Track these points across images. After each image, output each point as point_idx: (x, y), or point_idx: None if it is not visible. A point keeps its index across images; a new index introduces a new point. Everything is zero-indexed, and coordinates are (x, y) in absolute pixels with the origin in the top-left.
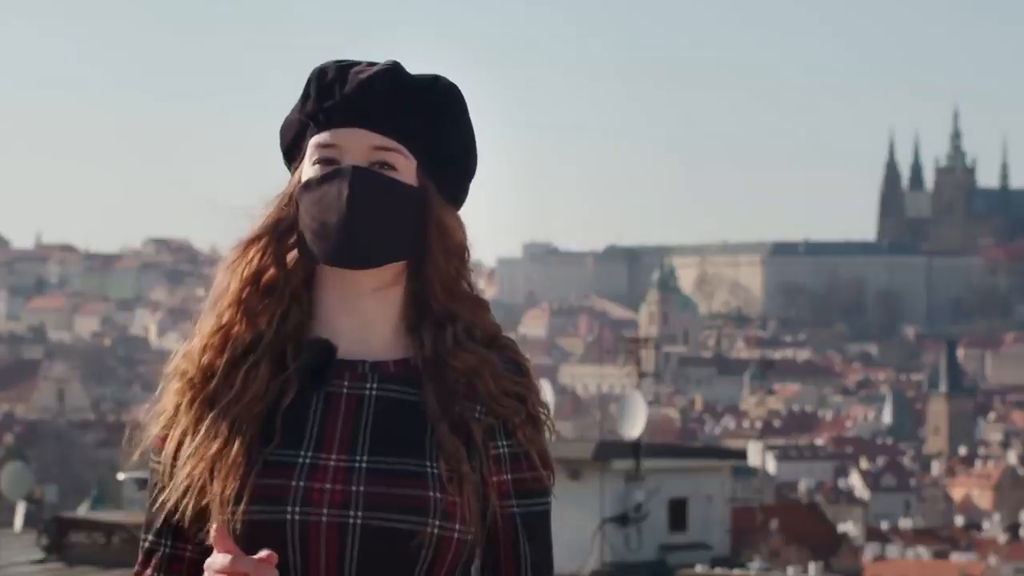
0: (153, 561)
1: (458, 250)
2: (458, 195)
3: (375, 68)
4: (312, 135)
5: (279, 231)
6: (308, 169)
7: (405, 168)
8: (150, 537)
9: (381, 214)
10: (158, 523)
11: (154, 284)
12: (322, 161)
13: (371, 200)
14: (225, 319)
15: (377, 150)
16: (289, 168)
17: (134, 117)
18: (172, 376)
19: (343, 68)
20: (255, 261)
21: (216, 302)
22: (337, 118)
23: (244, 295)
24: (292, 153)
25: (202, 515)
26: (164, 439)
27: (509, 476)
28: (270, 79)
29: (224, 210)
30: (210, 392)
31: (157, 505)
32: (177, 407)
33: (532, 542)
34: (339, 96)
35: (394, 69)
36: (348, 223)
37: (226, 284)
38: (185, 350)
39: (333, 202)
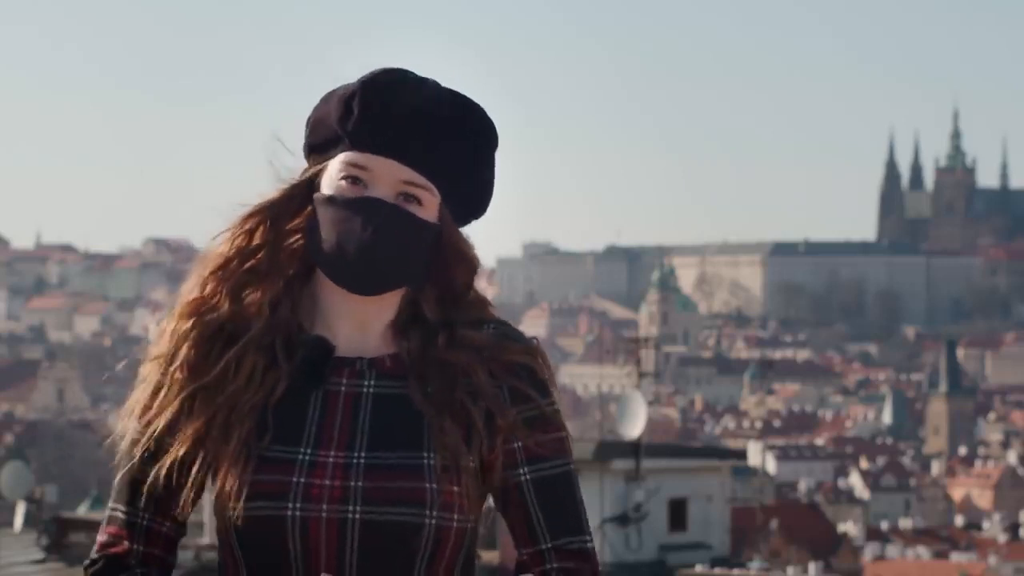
0: (132, 532)
1: (472, 270)
2: (469, 222)
3: (422, 97)
4: (344, 149)
5: (274, 212)
6: (334, 182)
7: (429, 204)
8: (125, 508)
9: (401, 251)
10: (139, 495)
11: (154, 284)
12: (350, 179)
13: (395, 237)
14: (208, 288)
15: (407, 184)
16: (307, 158)
17: (134, 117)
18: (157, 340)
19: (391, 87)
20: (248, 236)
21: (202, 268)
22: (375, 144)
23: (231, 266)
24: (314, 149)
25: (182, 492)
26: (146, 408)
27: (517, 444)
28: (270, 79)
29: (226, 211)
30: (199, 370)
31: (137, 476)
32: (159, 383)
33: (547, 506)
34: (382, 121)
35: (438, 99)
36: (368, 257)
37: (215, 251)
38: (169, 315)
39: (356, 231)
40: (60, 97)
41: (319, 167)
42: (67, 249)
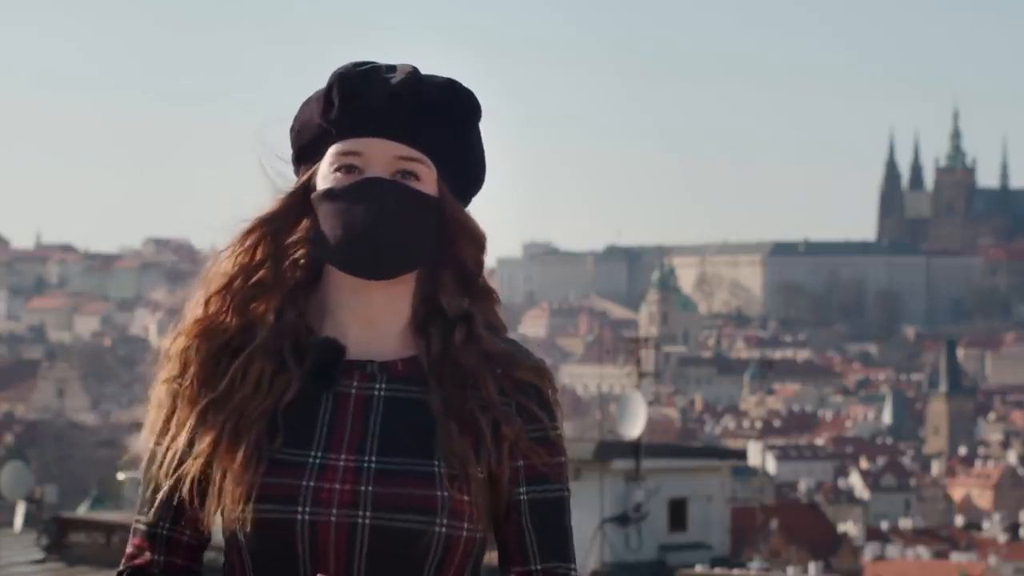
0: (153, 543)
1: (480, 244)
2: (469, 198)
3: (399, 76)
4: (333, 141)
5: (274, 226)
6: (328, 176)
7: (427, 177)
8: (146, 520)
9: (407, 227)
10: (159, 508)
11: (154, 284)
12: (344, 168)
13: (398, 213)
14: (213, 307)
15: (401, 160)
16: (296, 167)
17: (134, 117)
18: (163, 362)
19: (366, 74)
20: (250, 252)
21: (206, 287)
22: (362, 128)
23: (235, 284)
24: (303, 154)
25: (204, 503)
26: (167, 422)
27: (520, 463)
28: (270, 79)
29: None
30: (209, 385)
31: (161, 489)
32: (174, 395)
33: (540, 529)
34: (365, 106)
35: (416, 77)
36: (375, 236)
37: (218, 269)
38: (174, 335)
39: (360, 214)
40: (60, 97)
41: (311, 170)
42: (67, 249)
